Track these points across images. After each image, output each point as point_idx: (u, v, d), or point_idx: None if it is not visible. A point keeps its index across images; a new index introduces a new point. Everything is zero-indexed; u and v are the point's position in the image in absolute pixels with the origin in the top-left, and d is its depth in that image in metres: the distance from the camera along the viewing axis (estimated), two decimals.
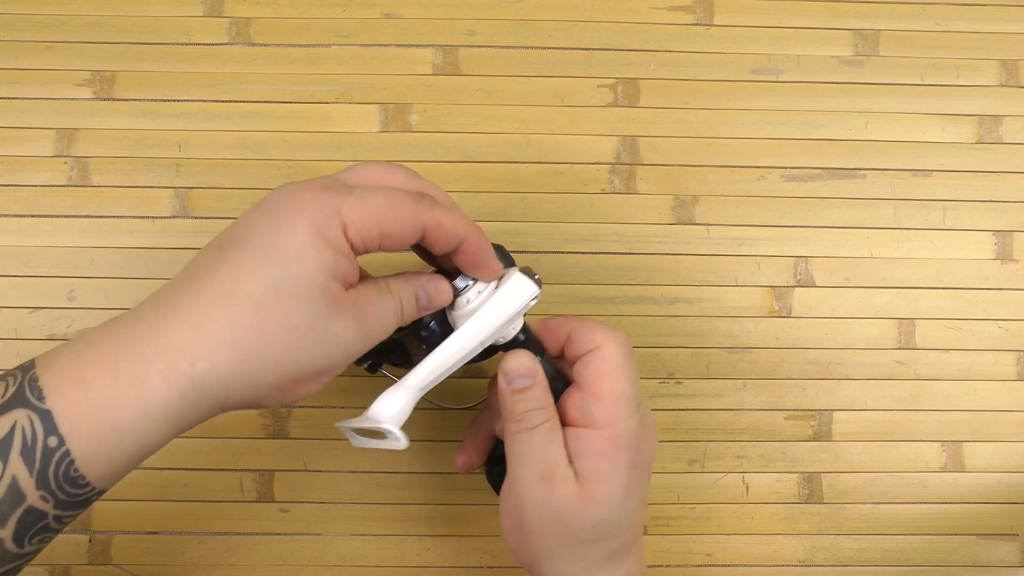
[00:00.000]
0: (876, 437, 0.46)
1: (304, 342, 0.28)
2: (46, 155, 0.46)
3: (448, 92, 0.47)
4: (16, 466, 0.26)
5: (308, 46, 0.47)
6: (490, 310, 0.33)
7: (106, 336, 0.28)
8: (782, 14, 0.48)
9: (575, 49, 0.47)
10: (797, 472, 0.46)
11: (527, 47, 0.47)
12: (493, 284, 0.34)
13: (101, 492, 0.28)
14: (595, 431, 0.34)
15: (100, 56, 0.46)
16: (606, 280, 0.46)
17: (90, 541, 0.44)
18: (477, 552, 0.45)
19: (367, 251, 0.30)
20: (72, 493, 0.27)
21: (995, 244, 0.47)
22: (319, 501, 0.45)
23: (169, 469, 0.44)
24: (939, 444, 0.46)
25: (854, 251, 0.47)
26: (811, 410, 0.46)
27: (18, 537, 0.27)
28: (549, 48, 0.47)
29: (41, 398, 0.26)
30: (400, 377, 0.33)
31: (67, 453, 0.26)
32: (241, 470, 0.45)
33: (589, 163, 0.47)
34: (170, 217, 0.45)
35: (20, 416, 0.26)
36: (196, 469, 0.44)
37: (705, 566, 0.45)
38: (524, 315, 0.35)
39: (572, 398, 0.35)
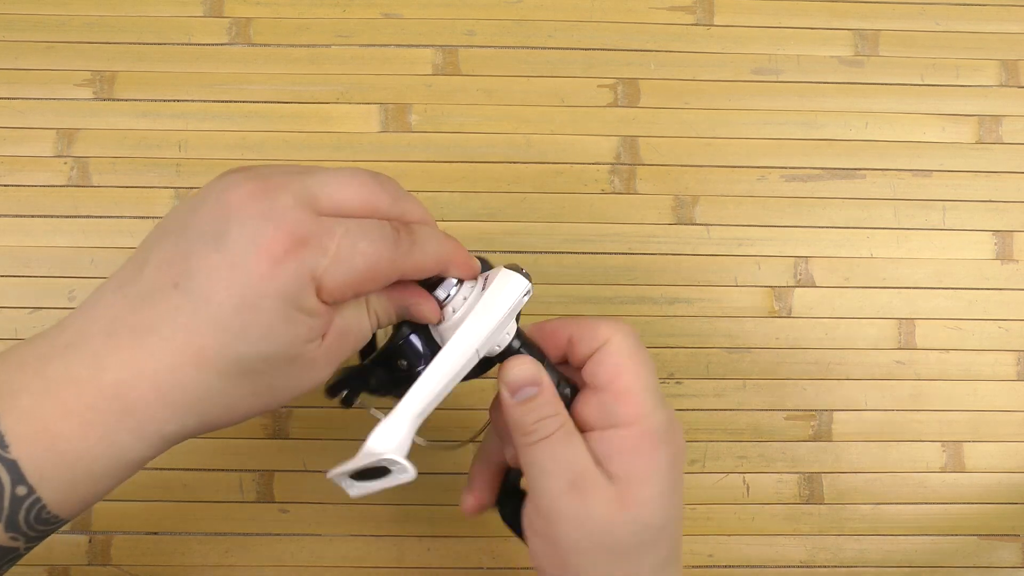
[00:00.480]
0: (876, 437, 0.46)
1: (276, 398, 0.28)
2: (46, 155, 0.46)
3: (448, 92, 0.47)
4: None
5: (308, 46, 0.47)
6: (481, 312, 0.30)
7: (67, 377, 0.26)
8: (782, 14, 0.48)
9: (575, 49, 0.47)
10: (798, 472, 0.46)
11: (527, 47, 0.47)
12: (479, 288, 0.31)
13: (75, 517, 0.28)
14: (622, 429, 0.30)
15: (100, 56, 0.46)
16: (606, 280, 0.46)
17: (90, 541, 0.44)
18: (477, 553, 0.45)
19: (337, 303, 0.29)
20: (44, 529, 0.26)
21: (995, 244, 0.47)
22: (319, 501, 0.45)
23: (169, 469, 0.44)
24: (939, 444, 0.46)
25: (854, 251, 0.47)
26: (811, 410, 0.46)
27: None
28: (549, 48, 0.47)
29: (5, 447, 0.25)
30: (382, 408, 0.31)
31: (38, 500, 0.25)
32: (241, 470, 0.45)
33: (589, 163, 0.47)
34: None
35: None
36: (196, 469, 0.44)
37: (706, 567, 0.45)
38: (518, 320, 0.32)
39: (588, 402, 0.32)
